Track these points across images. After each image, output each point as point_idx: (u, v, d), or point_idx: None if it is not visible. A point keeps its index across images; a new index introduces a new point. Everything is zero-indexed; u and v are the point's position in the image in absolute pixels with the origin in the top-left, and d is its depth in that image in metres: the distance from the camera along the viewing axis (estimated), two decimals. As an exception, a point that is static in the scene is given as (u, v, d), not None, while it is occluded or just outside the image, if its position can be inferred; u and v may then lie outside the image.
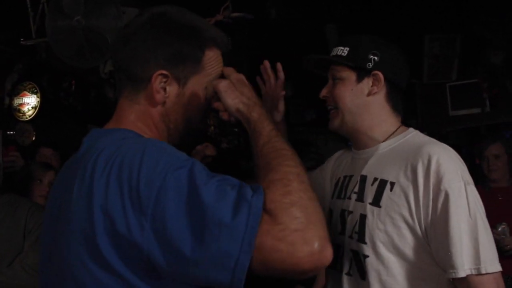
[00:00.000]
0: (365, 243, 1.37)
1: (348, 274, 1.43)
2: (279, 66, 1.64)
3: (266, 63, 1.64)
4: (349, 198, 1.47)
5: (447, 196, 1.26)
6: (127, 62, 1.04)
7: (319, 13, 4.09)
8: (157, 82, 1.03)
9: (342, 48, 1.47)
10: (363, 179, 1.45)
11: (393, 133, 1.46)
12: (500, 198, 3.15)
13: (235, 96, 1.13)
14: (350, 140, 1.57)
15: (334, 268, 1.48)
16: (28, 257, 2.15)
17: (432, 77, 4.66)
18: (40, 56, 4.41)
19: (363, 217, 1.39)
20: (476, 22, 4.10)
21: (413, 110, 5.12)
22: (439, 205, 1.27)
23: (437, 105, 4.78)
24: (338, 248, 1.46)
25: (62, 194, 0.99)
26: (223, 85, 1.12)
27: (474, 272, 1.23)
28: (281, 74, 1.63)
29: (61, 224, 0.96)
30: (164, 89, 1.04)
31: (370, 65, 1.44)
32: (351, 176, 1.52)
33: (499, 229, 2.94)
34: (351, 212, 1.45)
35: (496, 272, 1.24)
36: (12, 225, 2.18)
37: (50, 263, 1.00)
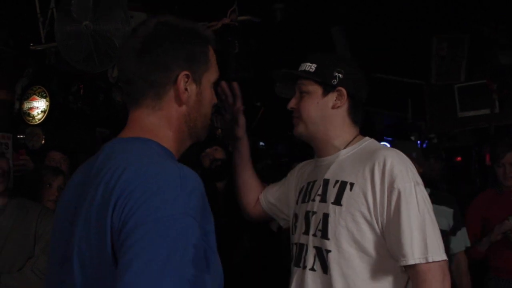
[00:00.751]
0: (328, 239, 1.51)
1: (312, 269, 1.55)
2: (235, 84, 1.82)
3: (223, 84, 1.80)
4: (313, 200, 1.61)
5: (399, 194, 1.42)
6: (148, 70, 1.07)
7: (325, 15, 4.10)
8: (182, 82, 1.08)
9: (310, 64, 1.62)
10: (326, 182, 1.59)
11: (351, 141, 1.63)
12: (512, 200, 3.13)
13: None
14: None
15: (298, 265, 1.61)
16: (39, 261, 2.15)
17: (440, 78, 4.63)
18: (49, 60, 4.44)
19: (326, 216, 1.53)
20: (484, 23, 4.08)
21: (421, 111, 5.10)
22: (393, 202, 1.43)
23: (446, 106, 4.75)
24: (302, 247, 1.61)
25: (77, 199, 1.02)
26: None
27: (422, 260, 1.39)
28: (237, 91, 1.81)
29: (75, 230, 0.98)
30: (186, 89, 1.10)
31: (335, 82, 1.60)
32: (314, 181, 1.66)
33: (510, 220, 2.93)
34: (315, 213, 1.58)
35: (441, 261, 1.41)
36: (23, 229, 2.19)
37: (60, 268, 1.01)
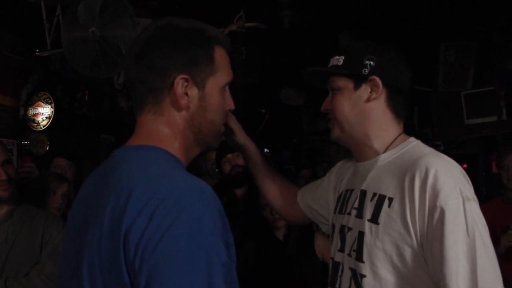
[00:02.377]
0: (363, 262, 1.31)
1: None
2: None
3: None
4: (349, 213, 1.42)
5: (442, 213, 1.17)
6: (146, 74, 1.05)
7: (332, 21, 4.08)
8: (179, 86, 1.05)
9: (338, 57, 1.43)
10: (363, 194, 1.39)
11: (392, 142, 1.40)
12: (518, 210, 3.10)
13: None
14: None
15: (333, 286, 1.44)
16: (46, 267, 2.15)
17: (447, 85, 4.61)
18: (54, 67, 4.45)
19: (361, 235, 1.34)
20: (492, 29, 4.06)
21: (429, 119, 5.08)
22: (434, 223, 1.18)
23: (453, 114, 4.73)
24: (337, 266, 1.43)
25: (87, 211, 0.99)
26: None
27: None
28: None
29: (86, 244, 0.95)
30: (186, 94, 1.06)
31: (366, 71, 1.39)
32: (351, 190, 1.47)
33: None
34: (350, 229, 1.40)
35: None
36: (29, 235, 2.19)
37: (71, 280, 0.99)
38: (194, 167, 4.34)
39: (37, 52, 3.77)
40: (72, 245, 1.02)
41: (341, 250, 1.43)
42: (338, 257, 1.44)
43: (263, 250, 2.63)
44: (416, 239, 1.22)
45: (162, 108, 1.06)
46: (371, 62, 1.39)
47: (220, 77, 1.10)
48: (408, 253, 1.24)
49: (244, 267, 2.61)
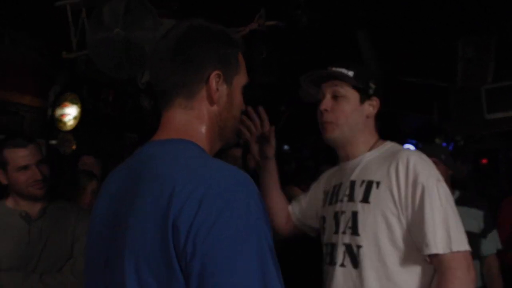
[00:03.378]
0: (359, 234, 1.58)
1: (342, 265, 1.62)
2: (261, 110, 1.89)
3: (250, 111, 1.88)
4: (341, 201, 1.68)
5: (423, 188, 1.50)
6: (181, 68, 1.09)
7: (351, 19, 4.12)
8: (214, 82, 1.10)
9: (346, 71, 1.67)
10: (352, 183, 1.67)
11: (374, 144, 1.72)
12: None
13: None
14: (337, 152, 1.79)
15: (329, 263, 1.68)
16: (78, 263, 2.20)
17: (466, 80, 4.59)
18: (80, 68, 4.58)
19: (355, 213, 1.61)
20: (510, 25, 4.04)
21: (448, 114, 5.06)
22: (417, 196, 1.51)
23: (472, 109, 4.70)
24: (333, 246, 1.67)
25: (118, 207, 1.02)
26: None
27: (446, 250, 1.45)
28: (264, 116, 1.90)
29: (120, 232, 0.98)
30: (218, 89, 1.11)
31: (371, 91, 1.69)
32: (340, 184, 1.74)
33: None
34: (343, 212, 1.65)
35: (465, 251, 1.48)
36: (62, 231, 2.24)
37: (104, 269, 1.02)
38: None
39: (64, 54, 3.88)
40: (101, 238, 1.05)
41: (336, 232, 1.67)
42: (333, 238, 1.68)
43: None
44: (402, 211, 1.53)
45: (194, 102, 1.10)
46: (374, 85, 1.69)
47: (242, 77, 1.18)
48: (395, 222, 1.54)
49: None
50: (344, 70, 1.66)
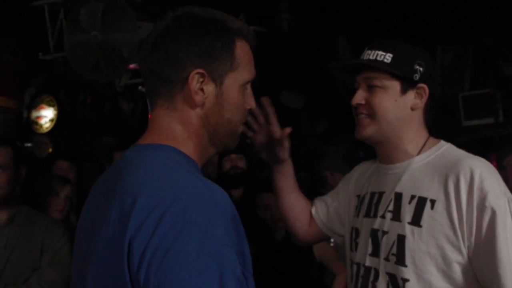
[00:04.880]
0: (405, 265, 1.28)
1: None
2: (264, 101, 1.52)
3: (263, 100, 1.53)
4: (382, 217, 1.37)
5: (493, 213, 1.18)
6: (160, 66, 0.97)
7: (330, 25, 4.14)
8: (194, 82, 0.96)
9: (383, 53, 1.35)
10: (398, 196, 1.35)
11: (423, 145, 1.38)
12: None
13: None
14: (366, 151, 1.48)
15: None
16: (46, 274, 2.13)
17: (444, 87, 4.66)
18: (57, 70, 4.51)
19: (401, 238, 1.30)
20: (487, 33, 4.12)
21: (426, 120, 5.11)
22: (485, 223, 1.19)
23: (450, 115, 4.77)
24: (369, 271, 1.38)
25: (95, 215, 0.95)
26: None
27: None
28: (269, 109, 1.52)
29: (92, 250, 0.91)
30: (202, 90, 0.97)
31: (417, 77, 1.34)
32: (381, 193, 1.42)
33: None
34: (386, 232, 1.35)
35: None
36: (29, 241, 2.17)
37: (80, 284, 0.95)
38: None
39: (40, 55, 3.82)
40: (81, 251, 0.98)
41: (375, 255, 1.37)
42: (370, 262, 1.38)
43: (261, 252, 2.66)
44: (463, 240, 1.22)
45: (176, 103, 0.98)
46: (421, 69, 1.35)
47: (241, 73, 1.00)
48: (454, 255, 1.24)
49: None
50: (380, 53, 1.35)
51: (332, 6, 3.91)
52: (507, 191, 1.24)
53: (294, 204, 1.67)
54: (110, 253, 0.83)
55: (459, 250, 1.23)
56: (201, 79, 0.96)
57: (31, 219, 2.23)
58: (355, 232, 1.47)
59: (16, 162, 2.18)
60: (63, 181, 2.84)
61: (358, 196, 1.52)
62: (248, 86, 1.04)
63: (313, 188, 3.81)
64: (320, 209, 1.68)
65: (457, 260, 1.23)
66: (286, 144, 1.56)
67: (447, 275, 1.24)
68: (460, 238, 1.22)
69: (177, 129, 0.98)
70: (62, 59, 3.82)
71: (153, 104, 1.01)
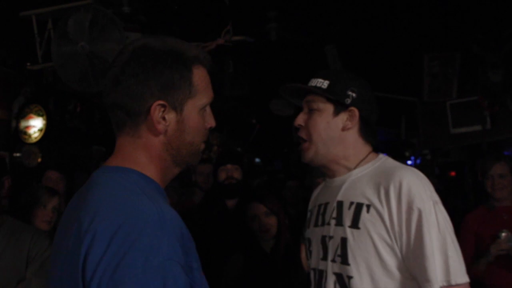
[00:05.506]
0: (349, 264, 1.44)
1: None
2: None
3: None
4: (328, 224, 1.53)
5: (420, 213, 1.35)
6: (123, 100, 1.04)
7: (319, 34, 4.17)
8: (156, 112, 1.03)
9: (322, 80, 1.53)
10: (340, 204, 1.51)
11: (363, 159, 1.54)
12: (504, 218, 3.12)
13: None
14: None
15: None
16: (31, 285, 2.12)
17: (432, 95, 4.70)
18: (46, 79, 4.50)
19: (344, 240, 1.46)
20: (473, 41, 4.16)
21: (414, 128, 5.15)
22: (413, 224, 1.36)
23: (438, 123, 4.81)
24: (321, 273, 1.53)
25: (64, 230, 1.02)
26: None
27: (445, 284, 1.32)
28: None
29: (56, 263, 1.00)
30: (164, 118, 1.04)
31: (348, 101, 1.51)
32: (326, 204, 1.58)
33: (502, 237, 2.90)
34: (331, 237, 1.50)
35: (464, 283, 1.34)
36: (15, 252, 2.15)
37: None
38: (186, 179, 4.41)
39: (29, 65, 3.81)
40: (53, 264, 1.05)
41: (324, 258, 1.52)
42: (321, 265, 1.53)
43: (250, 263, 2.65)
44: (396, 240, 1.39)
45: (140, 131, 1.05)
46: (354, 94, 1.52)
47: (199, 99, 1.09)
48: (388, 251, 1.40)
49: (231, 280, 2.64)
50: (319, 80, 1.53)
51: (320, 14, 3.93)
52: (435, 196, 1.41)
53: None
54: (69, 265, 0.92)
55: (393, 249, 1.39)
56: (162, 109, 1.04)
57: (17, 230, 2.22)
58: (308, 241, 1.65)
59: None
60: (51, 192, 2.82)
61: (309, 211, 1.71)
62: (208, 108, 1.13)
63: (301, 195, 3.81)
64: None
65: (391, 256, 1.39)
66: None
67: (385, 270, 1.40)
68: (393, 238, 1.39)
69: (141, 154, 1.06)
70: (51, 69, 3.82)
71: (119, 131, 1.09)
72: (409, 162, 5.89)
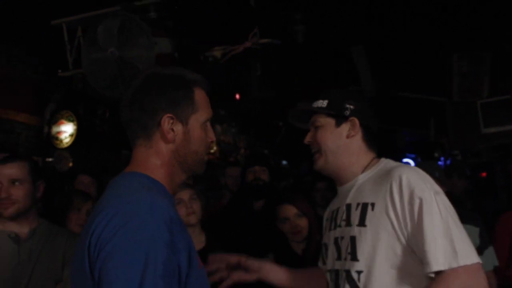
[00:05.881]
0: (358, 260, 1.54)
1: None
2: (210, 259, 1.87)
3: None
4: (340, 226, 1.66)
5: (420, 202, 1.43)
6: (138, 115, 1.27)
7: (345, 35, 4.14)
8: (166, 124, 1.26)
9: (322, 101, 1.73)
10: (348, 207, 1.64)
11: (368, 165, 1.69)
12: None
13: None
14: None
15: None
16: (68, 286, 2.18)
17: (462, 95, 4.62)
18: (76, 86, 4.59)
19: (353, 238, 1.57)
20: (504, 39, 4.07)
21: (444, 129, 5.07)
22: (415, 212, 1.43)
23: (469, 123, 4.72)
24: (337, 273, 1.63)
25: (84, 231, 1.20)
26: None
27: (452, 265, 1.36)
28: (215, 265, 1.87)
29: (77, 253, 1.20)
30: (172, 130, 1.27)
31: (348, 113, 1.70)
32: (338, 208, 1.71)
33: None
34: (342, 238, 1.63)
35: (474, 264, 1.37)
36: (51, 254, 2.22)
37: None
38: (215, 181, 4.44)
39: (59, 72, 3.90)
40: (74, 264, 1.26)
41: (338, 258, 1.64)
42: (337, 265, 1.64)
43: (281, 265, 2.64)
44: (401, 231, 1.47)
45: (152, 142, 1.28)
46: (351, 106, 1.70)
47: (201, 114, 1.32)
48: (395, 244, 1.48)
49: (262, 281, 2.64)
50: (320, 102, 1.72)
51: (346, 16, 3.91)
52: (436, 187, 1.49)
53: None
54: (80, 251, 1.15)
55: (399, 240, 1.47)
56: (171, 121, 1.27)
57: (52, 233, 2.28)
58: (325, 247, 1.78)
59: (33, 177, 2.23)
60: (85, 196, 2.89)
61: (326, 218, 1.84)
62: (208, 123, 1.36)
63: (330, 197, 3.78)
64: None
65: (398, 248, 1.47)
66: (252, 265, 1.89)
67: (392, 262, 1.48)
68: (398, 230, 1.47)
69: (152, 161, 1.28)
70: (81, 75, 3.89)
71: (134, 144, 1.31)
72: (439, 163, 5.80)
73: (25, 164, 2.22)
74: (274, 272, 1.94)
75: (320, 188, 3.98)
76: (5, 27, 4.08)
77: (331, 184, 4.09)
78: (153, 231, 1.07)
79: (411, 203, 1.44)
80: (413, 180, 1.47)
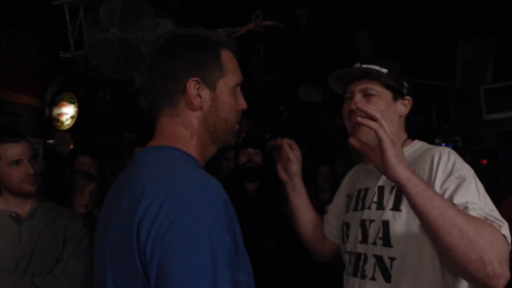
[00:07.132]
0: (391, 246, 1.45)
1: (372, 279, 1.48)
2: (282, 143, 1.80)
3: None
4: (369, 208, 1.55)
5: (460, 178, 1.36)
6: (161, 81, 1.14)
7: (349, 19, 4.11)
8: (191, 88, 1.13)
9: (379, 68, 1.55)
10: (381, 189, 1.54)
11: (403, 144, 1.59)
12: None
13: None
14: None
15: (355, 275, 1.54)
16: (69, 264, 2.20)
17: (465, 81, 4.59)
18: (78, 67, 4.56)
19: (386, 223, 1.47)
20: (511, 24, 4.03)
21: (447, 114, 5.05)
22: (452, 187, 1.35)
23: (472, 109, 4.69)
24: (359, 256, 1.55)
25: (112, 209, 1.08)
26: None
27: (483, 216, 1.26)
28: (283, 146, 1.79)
29: (108, 239, 1.05)
30: (199, 95, 1.14)
31: (405, 90, 1.59)
32: (367, 189, 1.61)
33: None
34: (372, 221, 1.52)
35: (505, 231, 1.26)
36: (52, 233, 2.24)
37: (99, 269, 1.08)
38: (215, 166, 4.44)
39: (61, 53, 3.87)
40: (99, 240, 1.11)
41: (364, 241, 1.54)
42: (360, 248, 1.55)
43: (284, 244, 2.66)
44: None
45: (178, 110, 1.15)
46: (407, 84, 1.60)
47: (230, 78, 1.18)
48: None
49: (265, 261, 2.66)
50: (377, 68, 1.54)
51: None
52: (470, 167, 1.42)
53: (310, 222, 1.86)
54: (122, 236, 0.98)
55: None
56: (197, 86, 1.13)
57: (53, 212, 2.30)
58: (346, 226, 1.66)
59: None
60: (87, 177, 2.92)
61: (348, 196, 1.74)
62: (238, 89, 1.22)
63: (333, 182, 3.80)
64: (328, 228, 1.87)
65: None
66: (293, 157, 1.78)
67: (427, 251, 1.38)
68: None
69: (180, 132, 1.15)
70: (83, 57, 3.86)
71: (158, 113, 1.18)
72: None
73: (31, 142, 2.28)
74: (297, 193, 1.84)
75: (321, 172, 4.00)
76: (6, 9, 4.04)
77: (333, 169, 4.11)
78: (214, 215, 0.94)
79: (450, 180, 1.36)
80: (453, 158, 1.42)
